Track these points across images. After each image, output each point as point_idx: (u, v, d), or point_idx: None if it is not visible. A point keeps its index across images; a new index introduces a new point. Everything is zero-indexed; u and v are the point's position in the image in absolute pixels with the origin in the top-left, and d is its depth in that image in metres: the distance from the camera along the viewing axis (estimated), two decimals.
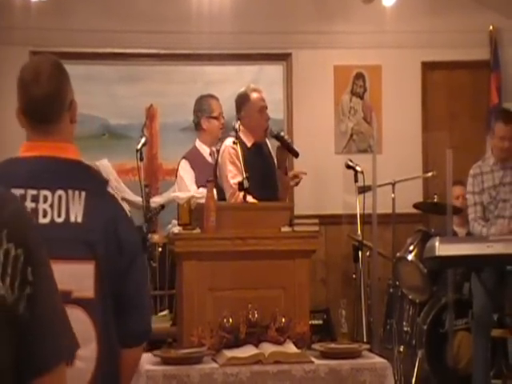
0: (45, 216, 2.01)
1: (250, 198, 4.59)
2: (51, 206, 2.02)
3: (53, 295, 1.48)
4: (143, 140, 5.23)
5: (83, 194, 2.04)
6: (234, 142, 4.88)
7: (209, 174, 4.95)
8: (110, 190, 2.11)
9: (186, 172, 5.59)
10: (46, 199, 2.02)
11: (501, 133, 5.38)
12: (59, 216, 2.02)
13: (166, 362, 3.89)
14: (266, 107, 5.17)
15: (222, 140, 5.44)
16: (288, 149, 5.18)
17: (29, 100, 2.10)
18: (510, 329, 5.49)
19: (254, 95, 5.13)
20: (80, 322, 1.97)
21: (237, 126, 4.98)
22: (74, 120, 2.17)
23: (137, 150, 5.13)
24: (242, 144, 4.97)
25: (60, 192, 2.03)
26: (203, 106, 5.64)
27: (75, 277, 1.99)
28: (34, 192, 2.01)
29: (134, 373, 2.24)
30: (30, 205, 2.00)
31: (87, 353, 1.99)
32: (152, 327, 2.22)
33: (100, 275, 2.02)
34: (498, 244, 4.84)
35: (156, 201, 5.87)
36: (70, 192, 2.03)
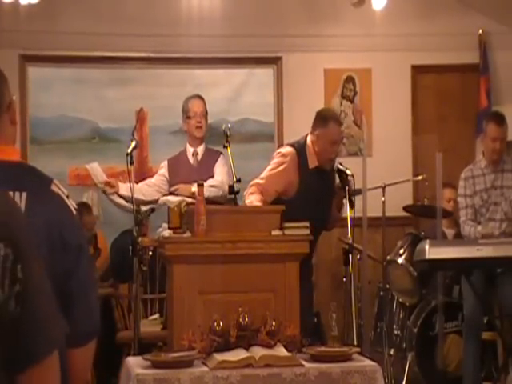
0: None
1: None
2: None
3: (42, 290, 1.51)
4: (133, 143, 5.22)
5: (24, 194, 1.98)
6: (224, 146, 4.89)
7: (188, 175, 4.95)
8: (54, 188, 2.05)
9: (160, 171, 5.67)
10: None
11: (493, 134, 5.40)
12: None
13: (156, 365, 3.88)
14: (341, 141, 5.09)
15: (206, 141, 5.46)
16: (346, 193, 4.98)
17: None
18: (500, 331, 5.51)
19: (334, 126, 4.99)
20: None
21: (308, 140, 4.94)
22: (14, 121, 2.13)
23: (127, 154, 5.12)
24: (304, 161, 4.91)
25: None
26: (183, 108, 5.66)
27: None
28: None
29: (87, 373, 2.22)
30: None
31: None
32: (99, 327, 2.20)
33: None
34: (487, 247, 4.85)
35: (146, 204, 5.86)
36: (11, 194, 1.96)
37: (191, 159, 5.59)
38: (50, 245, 2.00)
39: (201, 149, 5.61)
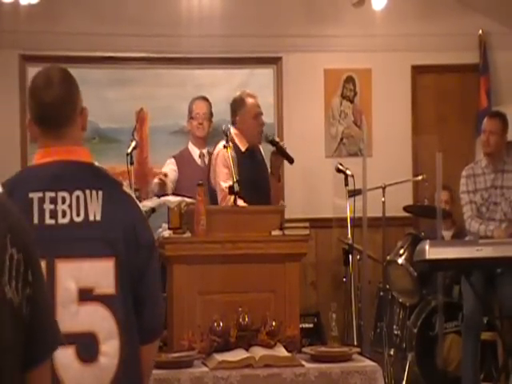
0: (64, 216, 2.06)
1: (240, 202, 4.60)
2: (70, 206, 2.06)
3: (46, 292, 1.58)
4: (133, 144, 5.23)
5: (100, 193, 2.08)
6: (224, 146, 4.89)
7: (196, 176, 4.96)
8: (125, 189, 2.17)
9: (166, 166, 5.63)
10: (64, 200, 2.06)
11: (486, 127, 5.44)
12: (78, 215, 2.07)
13: (156, 365, 3.87)
14: (262, 113, 5.18)
15: (209, 142, 5.46)
16: (283, 154, 5.19)
17: (41, 105, 2.15)
18: (500, 332, 5.51)
19: (250, 101, 5.15)
20: (102, 318, 2.03)
21: (231, 130, 4.99)
22: (84, 127, 2.22)
23: (127, 154, 5.13)
24: (236, 148, 4.98)
25: (78, 192, 2.07)
26: (189, 108, 5.69)
27: (96, 274, 2.04)
28: (52, 194, 2.06)
29: (151, 370, 2.27)
30: (48, 206, 2.05)
31: (109, 348, 2.04)
32: (164, 325, 2.29)
33: (120, 272, 2.06)
34: (487, 247, 4.85)
35: (146, 204, 5.86)
36: (88, 192, 2.08)
37: (198, 160, 5.60)
38: (125, 243, 2.08)
39: (205, 151, 5.63)
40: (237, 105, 5.17)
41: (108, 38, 6.72)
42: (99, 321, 2.02)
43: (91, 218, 2.07)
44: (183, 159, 5.63)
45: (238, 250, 4.24)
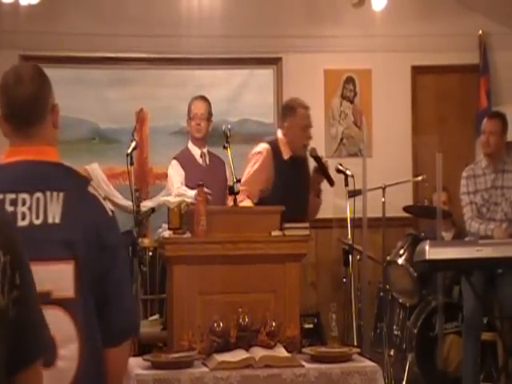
0: (23, 219, 2.01)
1: (248, 203, 4.57)
2: (29, 208, 2.02)
3: (35, 296, 1.56)
4: (133, 144, 5.22)
5: (61, 194, 2.04)
6: (224, 147, 4.90)
7: (199, 176, 4.95)
8: (91, 189, 2.11)
9: (174, 170, 5.60)
10: (24, 202, 2.02)
11: (486, 127, 5.44)
12: (37, 218, 2.02)
13: (156, 366, 3.88)
14: (311, 126, 5.15)
15: (212, 142, 5.45)
16: (323, 174, 5.14)
17: (11, 103, 2.10)
18: (500, 332, 5.51)
19: (301, 111, 5.11)
20: (60, 322, 1.98)
21: (278, 133, 4.99)
22: (56, 125, 2.17)
23: (127, 154, 5.12)
24: (278, 154, 4.99)
25: (38, 194, 2.03)
26: (188, 108, 5.67)
27: (55, 277, 1.99)
28: (13, 196, 2.02)
29: (123, 373, 2.24)
30: (8, 208, 2.00)
31: (68, 352, 2.00)
32: (138, 325, 2.23)
33: (80, 275, 2.02)
34: (487, 248, 4.85)
35: (146, 205, 5.88)
36: (48, 193, 2.03)
37: (200, 160, 5.59)
38: (86, 245, 2.04)
39: (205, 150, 5.62)
40: (287, 112, 5.14)
41: (108, 39, 6.72)
42: (56, 325, 1.92)
43: (50, 220, 2.02)
44: (185, 159, 5.62)
45: (238, 250, 4.24)
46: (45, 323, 1.58)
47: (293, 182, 4.99)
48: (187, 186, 5.37)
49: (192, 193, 4.90)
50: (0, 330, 1.44)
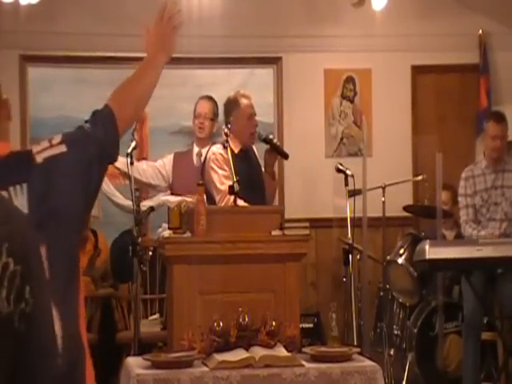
0: None
1: (241, 202, 4.60)
2: None
3: (48, 311, 1.50)
4: (133, 144, 5.22)
5: (25, 185, 1.94)
6: (224, 147, 4.89)
7: (190, 175, 4.96)
8: (37, 158, 1.98)
9: (164, 160, 5.66)
10: None
11: (492, 132, 5.42)
12: None
13: (156, 365, 3.88)
14: (255, 114, 5.20)
15: (211, 143, 5.46)
16: (278, 151, 5.21)
17: None
18: (500, 332, 5.51)
19: (244, 101, 5.16)
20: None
21: (226, 130, 5.00)
22: (8, 117, 2.08)
23: (127, 154, 5.12)
24: (230, 151, 4.98)
25: (3, 193, 1.92)
26: (194, 107, 5.69)
27: None
28: None
29: None
30: None
31: None
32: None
33: (51, 257, 1.92)
34: (487, 247, 4.85)
35: (146, 205, 5.87)
36: (12, 189, 1.94)
37: (195, 159, 5.61)
38: (54, 219, 1.97)
39: (205, 150, 5.62)
40: (230, 106, 5.18)
41: (108, 38, 6.72)
42: None
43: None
44: (182, 157, 5.65)
45: (237, 250, 4.24)
46: (55, 342, 1.54)
47: (248, 173, 5.01)
48: (175, 182, 5.43)
49: (174, 199, 4.96)
50: (1, 340, 1.39)
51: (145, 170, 5.66)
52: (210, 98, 5.71)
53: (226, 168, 4.86)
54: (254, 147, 5.28)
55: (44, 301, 1.48)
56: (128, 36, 6.76)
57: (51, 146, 2.01)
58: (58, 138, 2.03)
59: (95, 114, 2.18)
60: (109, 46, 6.76)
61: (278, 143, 5.29)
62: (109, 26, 6.74)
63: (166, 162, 5.70)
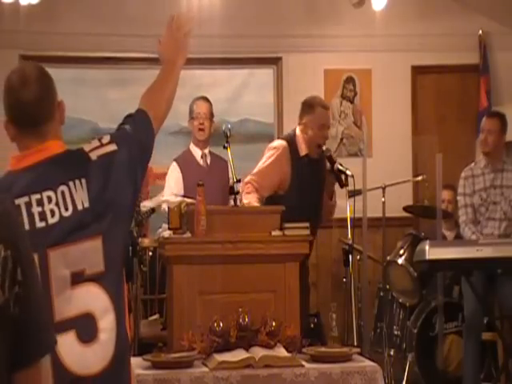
0: (53, 216, 2.06)
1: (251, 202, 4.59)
2: (57, 204, 2.06)
3: (38, 293, 1.54)
4: None
5: (83, 180, 2.10)
6: (224, 147, 4.89)
7: (199, 177, 4.95)
8: (92, 156, 2.16)
9: (171, 174, 5.62)
10: (50, 200, 2.06)
11: (485, 126, 5.45)
12: (67, 210, 2.07)
13: (156, 366, 3.88)
14: (329, 126, 5.13)
15: (214, 143, 5.45)
16: (336, 176, 5.07)
17: (19, 105, 2.12)
18: (500, 332, 5.51)
19: (320, 110, 5.08)
20: (96, 296, 2.09)
21: (296, 129, 4.99)
22: (62, 121, 2.21)
23: None
24: (295, 150, 4.97)
25: (62, 188, 2.08)
26: (189, 108, 5.68)
27: (85, 255, 2.07)
28: (38, 196, 2.05)
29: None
30: (36, 209, 2.04)
31: (108, 324, 2.11)
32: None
33: (107, 247, 2.10)
34: (487, 248, 4.85)
35: (146, 205, 5.87)
36: (71, 184, 2.09)
37: (200, 161, 5.59)
38: (111, 210, 2.17)
39: (207, 151, 5.62)
40: (307, 109, 5.11)
41: (108, 39, 6.72)
42: (94, 299, 2.07)
43: (79, 207, 2.08)
44: (186, 161, 5.62)
45: (238, 250, 4.24)
46: (48, 322, 1.58)
47: (309, 180, 4.96)
48: (186, 187, 5.39)
49: (174, 199, 4.96)
50: (0, 326, 1.42)
51: (169, 198, 5.55)
52: (206, 99, 5.71)
53: (275, 161, 4.86)
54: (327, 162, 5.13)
55: (34, 282, 1.52)
56: (128, 36, 6.78)
57: (102, 145, 2.20)
58: (107, 138, 2.23)
59: (132, 117, 2.38)
60: (109, 46, 6.77)
61: (341, 169, 5.04)
62: (109, 26, 6.74)
63: (174, 174, 5.61)
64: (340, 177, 5.10)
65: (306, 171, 4.96)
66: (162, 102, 2.59)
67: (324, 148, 5.08)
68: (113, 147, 2.20)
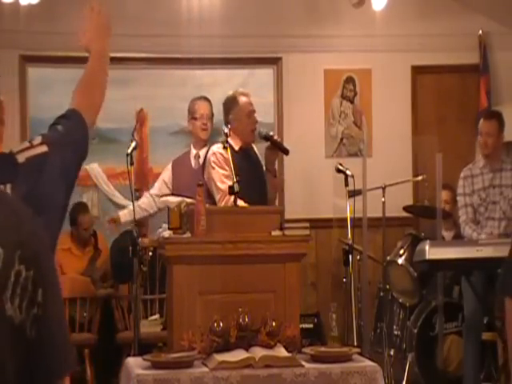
0: None
1: (241, 202, 4.60)
2: None
3: (60, 314, 1.50)
4: (133, 144, 5.23)
5: (8, 186, 1.96)
6: (224, 147, 4.89)
7: (189, 177, 4.96)
8: (18, 158, 2.01)
9: (163, 173, 5.67)
10: None
11: (483, 129, 5.44)
12: None
13: (156, 366, 3.88)
14: (255, 111, 5.20)
15: (209, 143, 5.46)
16: (278, 147, 5.23)
17: None
18: (500, 332, 5.51)
19: (243, 99, 5.17)
20: None
21: (226, 130, 5.00)
22: (2, 120, 2.13)
23: (127, 154, 5.12)
24: (231, 148, 4.99)
25: None
26: (190, 108, 5.67)
27: None
28: None
29: None
30: None
31: None
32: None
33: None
34: (487, 248, 4.85)
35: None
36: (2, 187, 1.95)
37: (193, 162, 5.60)
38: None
39: (203, 152, 5.61)
40: (230, 104, 5.19)
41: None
42: None
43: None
44: (180, 161, 5.64)
45: (238, 250, 4.24)
46: (69, 344, 1.53)
47: (249, 171, 5.03)
48: (176, 186, 5.42)
49: (174, 199, 4.98)
50: (16, 347, 1.38)
51: (148, 202, 5.61)
52: (207, 99, 5.72)
53: (227, 167, 4.87)
54: (255, 146, 5.28)
55: (56, 304, 1.47)
56: (127, 36, 6.77)
57: (32, 146, 2.06)
58: (38, 140, 2.09)
59: (64, 117, 2.28)
60: (109, 46, 6.75)
61: (279, 139, 5.32)
62: None
63: (165, 173, 5.68)
64: (282, 146, 5.25)
65: (243, 163, 5.01)
66: (96, 90, 2.48)
67: (257, 131, 5.19)
68: (43, 149, 2.06)
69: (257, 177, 5.14)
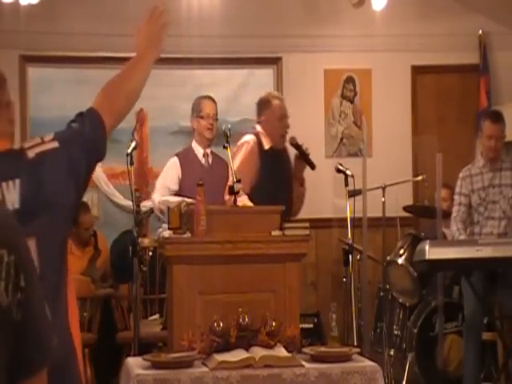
0: None
1: (246, 201, 4.61)
2: None
3: (40, 300, 1.52)
4: (133, 144, 5.22)
5: (17, 181, 1.99)
6: (224, 147, 4.88)
7: (199, 175, 4.95)
8: (28, 154, 2.03)
9: (170, 168, 5.58)
10: None
11: (488, 132, 5.42)
12: None
13: (156, 366, 3.88)
14: (287, 115, 5.23)
15: (216, 143, 5.46)
16: (305, 159, 5.22)
17: None
18: (500, 332, 5.51)
19: (276, 102, 5.23)
20: None
21: (257, 127, 5.07)
22: (11, 121, 2.14)
23: (127, 154, 5.12)
24: (260, 145, 5.09)
25: None
26: (194, 107, 5.65)
27: None
28: None
29: None
30: None
31: None
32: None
33: (43, 251, 1.99)
34: (487, 248, 4.85)
35: (146, 205, 5.88)
36: (4, 185, 1.98)
37: (202, 160, 5.57)
38: (47, 215, 2.03)
39: (209, 150, 5.61)
40: (262, 105, 5.25)
41: (108, 38, 6.72)
42: None
43: (10, 208, 1.96)
44: (187, 158, 5.59)
45: (238, 250, 4.24)
46: (51, 330, 1.55)
47: (276, 172, 5.06)
48: (185, 184, 5.37)
49: (174, 199, 4.95)
50: (4, 330, 1.40)
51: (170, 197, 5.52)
52: (212, 98, 5.70)
53: (247, 155, 4.92)
54: (289, 149, 5.30)
55: (36, 289, 1.49)
56: (128, 36, 6.70)
57: (43, 142, 2.06)
58: (50, 136, 2.09)
59: (82, 115, 2.23)
60: (109, 46, 6.76)
61: (308, 151, 5.26)
62: (109, 26, 6.73)
63: (173, 170, 5.58)
64: (309, 159, 5.23)
65: (272, 164, 5.05)
66: (121, 97, 2.35)
67: (288, 137, 5.20)
68: (54, 145, 2.06)
69: (282, 178, 5.16)
